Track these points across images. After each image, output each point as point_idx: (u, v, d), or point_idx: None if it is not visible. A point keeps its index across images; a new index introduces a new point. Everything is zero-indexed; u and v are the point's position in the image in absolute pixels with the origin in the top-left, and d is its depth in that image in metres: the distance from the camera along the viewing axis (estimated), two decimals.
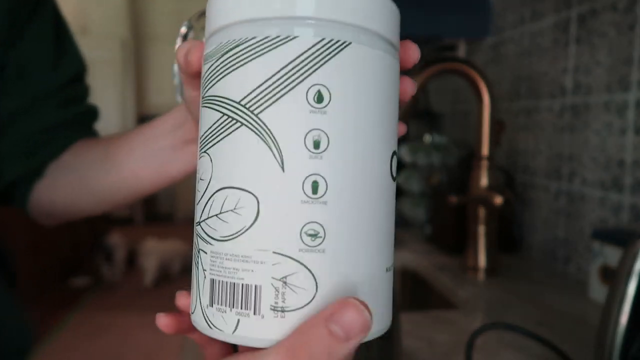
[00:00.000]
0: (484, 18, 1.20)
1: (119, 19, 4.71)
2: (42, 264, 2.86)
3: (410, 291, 1.02)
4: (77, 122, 0.53)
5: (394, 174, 0.25)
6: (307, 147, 0.21)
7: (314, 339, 0.20)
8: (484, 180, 0.88)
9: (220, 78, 0.23)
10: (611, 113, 0.79)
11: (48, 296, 2.87)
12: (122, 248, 3.29)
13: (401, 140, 1.31)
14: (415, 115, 1.47)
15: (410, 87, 0.26)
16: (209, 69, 0.24)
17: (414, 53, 0.26)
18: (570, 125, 0.90)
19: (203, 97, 0.24)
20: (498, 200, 0.83)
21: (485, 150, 0.89)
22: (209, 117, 0.23)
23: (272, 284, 0.21)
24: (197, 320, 0.23)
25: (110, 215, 4.16)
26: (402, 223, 1.25)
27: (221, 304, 0.22)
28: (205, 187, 0.23)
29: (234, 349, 0.29)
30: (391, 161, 0.24)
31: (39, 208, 0.52)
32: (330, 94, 0.22)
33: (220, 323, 0.22)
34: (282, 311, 0.21)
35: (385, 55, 0.24)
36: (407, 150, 1.24)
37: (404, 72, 0.27)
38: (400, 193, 1.31)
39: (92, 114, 0.56)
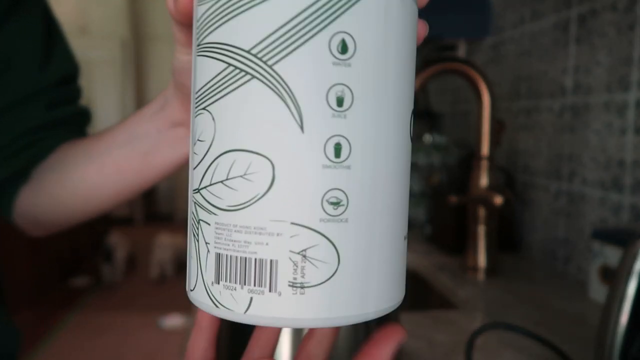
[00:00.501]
0: (484, 18, 1.20)
1: (119, 19, 4.72)
2: (42, 264, 2.86)
3: (410, 291, 1.02)
4: (66, 123, 0.51)
5: (412, 134, 0.23)
6: (329, 105, 0.19)
7: None
8: (484, 180, 0.88)
9: (224, 22, 0.20)
10: (611, 113, 0.79)
11: (48, 296, 2.87)
12: (122, 248, 3.29)
13: None
14: (415, 115, 1.47)
15: (423, 29, 0.24)
16: (207, 10, 0.20)
17: (422, 31, 0.24)
18: (570, 125, 0.90)
19: (199, 45, 0.21)
20: (498, 200, 0.83)
21: (485, 150, 0.89)
22: (208, 68, 0.20)
23: (290, 258, 0.19)
24: (199, 298, 0.21)
25: (110, 215, 4.16)
26: None
27: (230, 281, 0.20)
28: (207, 150, 0.20)
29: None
30: (411, 121, 0.22)
31: (25, 215, 0.49)
32: (355, 44, 0.19)
33: (229, 302, 0.20)
34: (302, 287, 0.19)
35: (409, 1, 0.21)
36: None
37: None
38: None
39: (84, 116, 0.53)
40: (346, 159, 0.19)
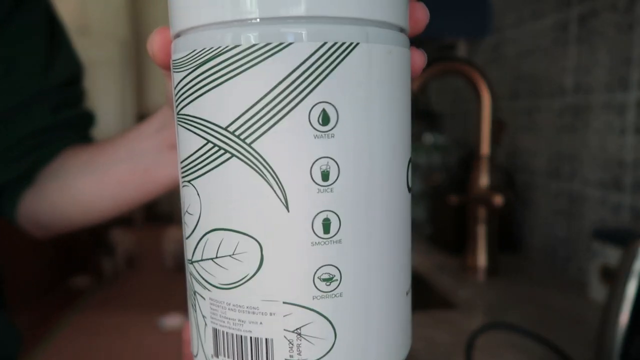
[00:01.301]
0: (484, 18, 1.20)
1: (119, 19, 4.71)
2: (42, 264, 2.86)
3: (411, 291, 1.02)
4: (70, 126, 0.50)
5: (410, 184, 0.21)
6: (314, 180, 0.18)
7: None
8: (484, 180, 0.88)
9: (198, 96, 0.19)
10: (611, 113, 0.79)
11: (48, 296, 2.87)
12: (124, 243, 3.32)
13: None
14: (415, 115, 1.47)
15: (420, 60, 0.22)
16: (182, 79, 0.19)
17: (422, 16, 0.22)
18: (570, 125, 0.90)
19: (178, 114, 0.20)
20: (498, 200, 0.83)
21: (485, 150, 0.89)
22: (189, 141, 0.20)
23: (285, 337, 0.19)
24: None
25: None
26: None
27: (229, 357, 0.20)
28: (195, 224, 0.20)
29: None
30: (407, 171, 0.21)
31: (28, 218, 0.49)
32: (337, 112, 0.18)
33: None
34: None
35: (397, 47, 0.20)
36: None
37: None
38: None
39: (88, 119, 0.53)
40: (336, 233, 0.18)
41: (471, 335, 0.50)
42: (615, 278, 0.43)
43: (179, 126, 0.20)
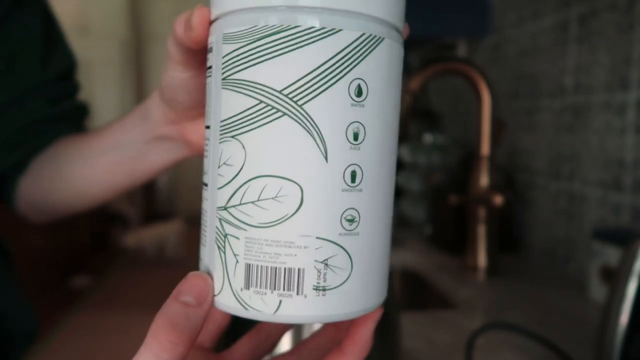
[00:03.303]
0: (483, 17, 1.20)
1: (119, 19, 4.71)
2: (42, 264, 2.86)
3: (410, 291, 1.02)
4: (65, 118, 0.53)
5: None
6: (347, 139, 0.23)
7: (173, 314, 0.22)
8: (484, 180, 0.88)
9: (255, 63, 0.23)
10: (611, 113, 0.79)
11: (48, 296, 2.87)
12: (135, 213, 3.56)
13: (401, 140, 1.31)
14: (415, 115, 1.47)
15: (406, 30, 0.27)
16: (235, 50, 0.23)
17: (406, 29, 0.27)
18: (570, 125, 0.90)
19: (225, 79, 0.24)
20: (498, 200, 0.83)
21: (485, 150, 0.89)
22: (237, 102, 0.23)
23: (314, 267, 0.23)
24: (225, 302, 0.24)
25: (110, 215, 4.16)
26: (402, 223, 1.25)
27: (260, 287, 0.23)
28: (236, 174, 0.23)
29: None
30: (399, 147, 0.27)
31: (25, 204, 0.51)
32: (367, 88, 0.23)
33: (259, 304, 0.23)
34: (324, 290, 0.23)
35: (400, 46, 0.25)
36: (407, 150, 1.24)
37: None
38: (400, 193, 1.31)
39: (82, 110, 0.55)
40: (359, 183, 0.23)
41: (471, 335, 0.50)
42: (615, 278, 0.43)
43: (223, 89, 0.24)
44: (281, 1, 0.22)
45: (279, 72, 0.22)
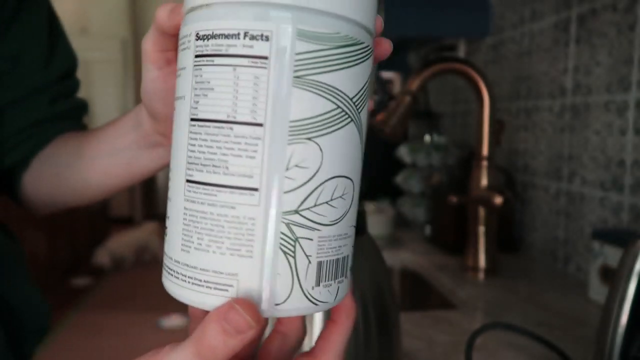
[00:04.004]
0: (483, 17, 1.20)
1: (119, 19, 4.71)
2: (42, 264, 2.86)
3: (410, 291, 1.02)
4: (66, 116, 0.54)
5: None
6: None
7: (211, 332, 0.22)
8: (484, 180, 0.88)
9: (336, 69, 0.23)
10: (611, 113, 0.79)
11: (48, 296, 2.87)
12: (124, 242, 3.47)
13: (401, 140, 1.31)
14: (415, 115, 1.47)
15: (389, 46, 0.29)
16: (316, 51, 0.23)
17: (388, 47, 0.29)
18: (570, 125, 0.90)
19: (301, 78, 0.23)
20: (498, 200, 0.83)
21: (485, 150, 0.89)
22: (315, 104, 0.23)
23: (352, 251, 0.26)
24: (296, 305, 0.24)
25: (110, 214, 4.16)
26: (402, 223, 1.25)
27: (328, 280, 0.25)
28: (312, 175, 0.23)
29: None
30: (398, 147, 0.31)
31: (29, 198, 0.53)
32: None
33: (327, 297, 0.25)
34: (350, 270, 0.27)
35: None
36: (407, 150, 1.24)
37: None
38: (400, 193, 1.31)
39: (81, 108, 0.57)
40: None
41: (471, 335, 0.50)
42: (615, 278, 0.43)
43: (297, 88, 0.23)
44: (356, 17, 0.24)
45: (351, 81, 0.24)
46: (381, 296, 0.46)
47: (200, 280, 0.23)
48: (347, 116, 0.24)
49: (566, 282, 0.85)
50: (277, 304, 0.24)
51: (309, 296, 0.24)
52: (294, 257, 0.23)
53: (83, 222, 3.43)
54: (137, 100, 4.85)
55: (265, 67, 0.22)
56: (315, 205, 0.23)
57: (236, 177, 0.23)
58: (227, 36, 0.23)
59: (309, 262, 0.24)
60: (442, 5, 1.23)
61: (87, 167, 0.47)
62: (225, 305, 0.22)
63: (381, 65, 1.49)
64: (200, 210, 0.23)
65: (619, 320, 0.42)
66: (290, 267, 0.23)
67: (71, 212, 2.94)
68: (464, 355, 0.50)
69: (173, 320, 2.55)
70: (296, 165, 0.23)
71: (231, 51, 0.23)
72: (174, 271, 0.24)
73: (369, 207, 1.10)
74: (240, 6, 0.23)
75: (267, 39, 0.22)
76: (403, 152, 1.25)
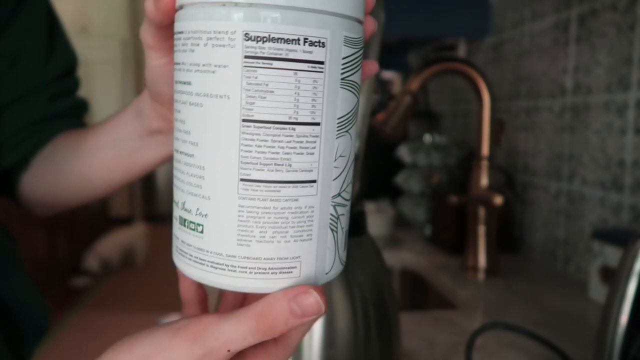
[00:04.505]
0: (483, 17, 1.20)
1: (119, 19, 4.71)
2: (41, 265, 2.86)
3: (410, 291, 1.02)
4: (65, 114, 0.54)
5: None
6: None
7: (278, 310, 0.24)
8: (484, 180, 0.88)
9: (359, 68, 0.26)
10: (611, 113, 0.79)
11: (48, 296, 2.86)
12: (124, 243, 3.45)
13: (401, 140, 1.31)
14: (415, 115, 1.47)
15: (374, 68, 0.31)
16: (353, 54, 0.26)
17: (373, 68, 0.31)
18: (570, 125, 0.90)
19: (344, 79, 0.26)
20: (498, 200, 0.83)
21: (485, 150, 0.89)
22: (351, 101, 0.26)
23: None
24: (335, 271, 0.28)
25: (110, 214, 4.16)
26: (402, 223, 1.25)
27: (347, 244, 0.29)
28: (346, 162, 0.27)
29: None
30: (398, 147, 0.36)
31: (29, 198, 0.52)
32: None
33: (346, 257, 0.29)
34: None
35: None
36: (407, 150, 1.24)
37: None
38: (400, 193, 1.31)
39: (81, 106, 0.56)
40: None
41: (471, 335, 0.50)
42: (615, 278, 0.43)
43: (342, 89, 0.26)
44: (363, 19, 0.27)
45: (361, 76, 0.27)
46: (381, 296, 0.46)
47: (265, 269, 0.25)
48: (358, 106, 0.27)
49: (566, 282, 0.85)
50: (326, 273, 0.27)
51: (341, 260, 0.28)
52: (336, 232, 0.27)
53: (83, 222, 3.43)
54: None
55: (322, 72, 0.24)
56: (347, 186, 0.27)
57: (299, 172, 0.25)
58: (286, 41, 0.23)
59: (343, 232, 0.28)
60: (442, 5, 1.23)
61: (87, 161, 0.46)
62: (297, 288, 0.25)
63: (381, 65, 1.49)
64: (262, 206, 0.25)
65: (619, 320, 0.42)
66: (334, 240, 0.27)
67: (71, 212, 2.94)
68: (464, 355, 0.50)
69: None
70: (340, 156, 0.26)
71: (291, 56, 0.24)
72: (226, 265, 0.25)
73: (369, 207, 1.10)
74: (299, 12, 0.23)
75: (323, 45, 0.24)
76: (403, 152, 1.25)
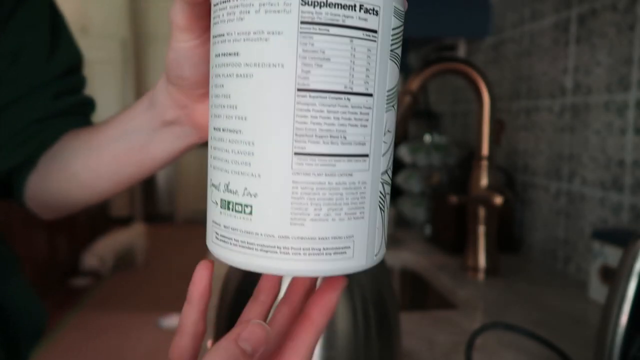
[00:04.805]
0: (483, 17, 1.20)
1: (119, 19, 4.71)
2: (41, 264, 2.86)
3: (410, 291, 1.02)
4: (71, 112, 0.52)
5: None
6: None
7: (229, 356, 0.24)
8: (484, 180, 0.88)
9: (401, 42, 0.26)
10: (611, 113, 0.79)
11: (48, 296, 2.87)
12: (124, 243, 3.40)
13: (401, 140, 1.31)
14: (415, 115, 1.47)
15: None
16: (399, 27, 0.25)
17: None
18: (570, 125, 0.90)
19: (393, 51, 0.25)
20: (498, 200, 0.83)
21: (485, 150, 0.89)
22: (396, 74, 0.26)
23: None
24: (382, 252, 0.27)
25: (110, 215, 4.16)
26: (402, 223, 1.25)
27: (388, 225, 0.28)
28: (393, 137, 0.26)
29: None
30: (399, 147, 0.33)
31: (35, 200, 0.51)
32: None
33: (387, 238, 0.28)
34: None
35: None
36: (407, 150, 1.24)
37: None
38: (400, 193, 1.31)
39: (88, 105, 0.55)
40: None
41: (471, 335, 0.50)
42: (615, 278, 0.43)
43: (390, 61, 0.25)
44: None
45: None
46: (381, 296, 0.46)
47: (319, 249, 0.24)
48: None
49: (566, 282, 0.85)
50: (375, 255, 0.26)
51: (386, 241, 0.27)
52: (384, 211, 0.26)
53: (83, 222, 3.43)
54: (137, 100, 4.85)
55: (375, 40, 0.24)
56: (391, 163, 0.26)
57: (353, 145, 0.24)
58: (343, 6, 0.22)
59: (388, 212, 0.27)
60: (442, 5, 1.23)
61: (97, 156, 0.44)
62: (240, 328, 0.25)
63: None
64: (317, 181, 0.23)
65: (619, 320, 0.42)
66: (382, 220, 0.26)
67: None
68: (464, 355, 0.50)
69: (173, 320, 2.55)
70: (388, 131, 0.25)
71: (348, 22, 0.23)
72: (279, 247, 0.24)
73: None
74: None
75: (376, 13, 0.23)
76: (403, 152, 1.25)
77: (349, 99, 0.23)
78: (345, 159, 0.24)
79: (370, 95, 0.24)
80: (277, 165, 0.23)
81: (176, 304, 2.76)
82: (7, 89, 0.49)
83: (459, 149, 1.22)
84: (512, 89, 1.09)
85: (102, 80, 4.64)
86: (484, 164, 0.89)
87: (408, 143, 1.26)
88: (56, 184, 0.48)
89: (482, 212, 0.90)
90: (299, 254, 0.24)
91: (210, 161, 0.26)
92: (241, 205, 0.24)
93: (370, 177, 0.25)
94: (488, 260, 0.89)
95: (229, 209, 0.25)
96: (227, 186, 0.24)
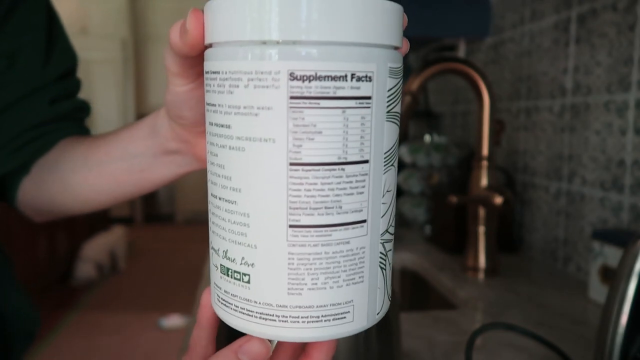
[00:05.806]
0: (483, 18, 1.20)
1: (119, 19, 4.71)
2: (41, 264, 2.86)
3: (410, 291, 1.02)
4: (67, 118, 0.52)
5: None
6: None
7: None
8: (484, 180, 0.88)
9: (400, 98, 0.25)
10: (611, 113, 0.79)
11: (48, 296, 2.87)
12: (124, 242, 3.34)
13: (401, 140, 1.31)
14: (415, 115, 1.47)
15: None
16: (396, 85, 0.24)
17: None
18: (570, 125, 0.90)
19: (390, 112, 0.24)
20: (498, 200, 0.83)
21: (485, 150, 0.89)
22: (394, 132, 0.25)
23: None
24: (384, 310, 0.27)
25: (110, 215, 4.16)
26: (402, 223, 1.25)
27: (391, 279, 0.28)
28: (393, 196, 0.26)
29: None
30: (399, 146, 0.33)
31: (27, 205, 0.51)
32: None
33: (391, 292, 0.28)
34: None
35: None
36: (407, 150, 1.24)
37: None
38: (400, 193, 1.31)
39: (83, 109, 0.54)
40: None
41: (471, 335, 0.50)
42: (615, 278, 0.43)
43: (387, 122, 0.24)
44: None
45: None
46: None
47: (318, 317, 0.24)
48: None
49: (566, 282, 0.85)
50: (377, 313, 0.26)
51: (389, 296, 0.26)
52: (385, 269, 0.26)
53: (83, 222, 3.43)
54: (137, 100, 4.85)
55: (369, 107, 0.23)
56: (393, 220, 0.26)
57: (349, 214, 0.23)
58: (334, 78, 0.22)
59: (390, 268, 0.26)
60: (442, 6, 1.23)
61: (96, 173, 0.44)
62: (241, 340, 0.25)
63: None
64: (314, 252, 0.23)
65: (619, 320, 0.42)
66: (384, 278, 0.26)
67: None
68: (464, 355, 0.50)
69: (173, 320, 2.55)
70: (387, 191, 0.25)
71: (339, 93, 0.22)
72: (277, 316, 0.24)
73: None
74: (345, 47, 0.22)
75: (369, 79, 0.23)
76: (403, 152, 1.25)
77: (343, 169, 0.23)
78: (342, 227, 0.23)
79: (367, 161, 0.24)
80: (272, 238, 0.23)
81: (177, 304, 2.76)
82: (3, 93, 0.49)
83: (459, 149, 1.22)
84: (512, 89, 1.10)
85: (102, 80, 4.64)
86: (484, 164, 0.89)
87: (408, 143, 1.26)
88: (51, 193, 0.48)
89: (482, 212, 0.90)
90: (298, 321, 0.24)
91: (210, 225, 0.26)
92: (239, 273, 0.24)
93: (369, 241, 0.24)
94: (488, 261, 0.89)
95: (228, 275, 0.25)
96: (226, 253, 0.25)
